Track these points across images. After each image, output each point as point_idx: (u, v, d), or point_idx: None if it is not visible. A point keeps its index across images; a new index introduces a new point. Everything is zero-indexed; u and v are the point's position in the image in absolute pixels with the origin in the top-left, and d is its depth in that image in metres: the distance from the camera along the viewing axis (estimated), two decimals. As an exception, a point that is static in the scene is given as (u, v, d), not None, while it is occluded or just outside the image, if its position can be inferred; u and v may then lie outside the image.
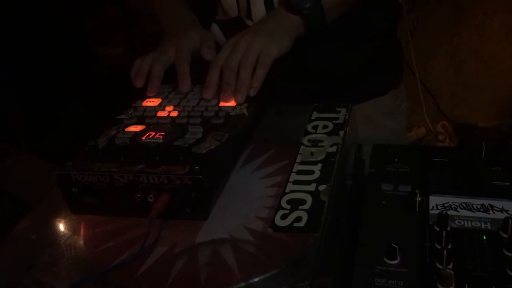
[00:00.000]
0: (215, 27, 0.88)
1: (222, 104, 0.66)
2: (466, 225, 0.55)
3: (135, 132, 0.60)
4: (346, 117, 0.67)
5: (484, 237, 0.53)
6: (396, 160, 0.66)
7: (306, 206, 0.53)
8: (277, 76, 0.69)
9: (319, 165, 0.59)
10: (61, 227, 0.61)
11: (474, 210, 0.57)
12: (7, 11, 1.94)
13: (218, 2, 0.86)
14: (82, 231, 0.59)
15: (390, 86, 0.93)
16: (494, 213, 0.57)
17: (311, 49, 0.77)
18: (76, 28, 2.32)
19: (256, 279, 0.49)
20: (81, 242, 0.57)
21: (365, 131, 0.76)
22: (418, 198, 0.57)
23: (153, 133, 0.59)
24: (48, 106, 1.93)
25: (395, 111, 0.94)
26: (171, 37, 0.79)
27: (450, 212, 0.56)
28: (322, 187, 0.55)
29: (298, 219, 0.51)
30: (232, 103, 0.66)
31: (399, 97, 0.95)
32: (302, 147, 0.63)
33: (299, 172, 0.58)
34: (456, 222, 0.56)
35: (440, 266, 0.49)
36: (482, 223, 0.55)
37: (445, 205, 0.58)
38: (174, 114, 0.64)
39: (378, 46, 0.89)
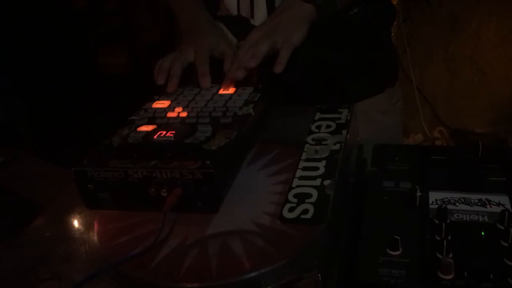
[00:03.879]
0: (220, 24, 0.91)
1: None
2: (464, 218, 0.58)
3: (147, 132, 0.62)
4: (348, 117, 0.70)
5: (483, 233, 0.55)
6: (397, 158, 0.69)
7: (312, 200, 0.55)
8: (277, 77, 0.73)
9: (324, 162, 0.61)
10: (75, 223, 0.64)
11: (472, 205, 0.60)
12: (14, 24, 1.97)
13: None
14: (96, 227, 0.61)
15: (386, 84, 0.96)
16: (491, 207, 0.59)
17: (309, 50, 0.80)
18: (80, 37, 2.36)
19: (264, 270, 0.51)
20: (95, 237, 0.60)
21: (362, 129, 0.78)
22: (419, 193, 0.60)
23: (164, 132, 0.61)
24: (53, 114, 1.95)
25: (391, 109, 0.97)
26: (189, 37, 0.83)
27: (449, 207, 0.59)
28: (327, 182, 0.58)
29: (305, 211, 0.54)
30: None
31: (395, 96, 0.98)
32: (306, 145, 0.65)
33: (304, 169, 0.61)
34: (455, 215, 0.58)
35: (440, 256, 0.51)
36: (480, 216, 0.58)
37: (444, 200, 0.61)
38: (184, 114, 0.67)
39: (374, 46, 0.92)
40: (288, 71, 0.74)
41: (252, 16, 0.87)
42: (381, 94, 0.95)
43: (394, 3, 1.21)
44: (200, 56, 0.79)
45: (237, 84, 0.75)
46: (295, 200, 0.55)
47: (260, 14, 0.86)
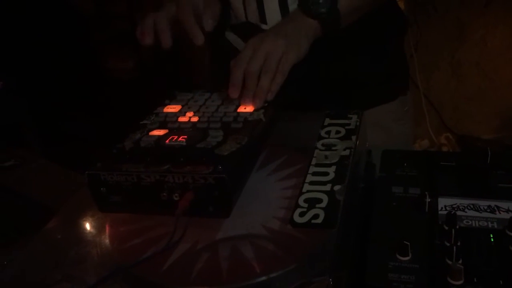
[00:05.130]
0: (229, 34, 0.91)
1: (241, 109, 0.70)
2: (473, 225, 0.58)
3: (159, 136, 0.63)
4: (358, 123, 0.71)
5: (491, 236, 0.56)
6: (405, 164, 0.69)
7: (323, 205, 0.56)
8: (289, 83, 0.73)
9: (333, 167, 0.62)
10: (87, 226, 0.64)
11: (481, 211, 0.60)
12: (20, 26, 1.99)
13: (229, 7, 0.89)
14: (107, 230, 0.62)
15: (398, 92, 0.97)
16: (500, 213, 0.59)
17: (322, 57, 0.80)
18: (86, 40, 2.37)
19: (275, 274, 0.51)
20: (107, 240, 0.60)
21: (375, 136, 0.79)
22: (428, 199, 0.60)
23: (176, 137, 0.62)
24: (58, 116, 1.97)
25: (403, 116, 0.98)
26: None
27: (458, 213, 0.59)
28: (337, 187, 0.58)
29: (316, 216, 0.54)
30: (250, 108, 0.69)
31: (406, 104, 0.99)
32: (316, 151, 0.66)
33: (314, 174, 0.61)
34: (464, 221, 0.58)
35: (450, 262, 0.51)
36: (489, 222, 0.58)
37: (453, 206, 0.61)
38: (195, 119, 0.67)
39: (387, 54, 0.93)
40: (301, 79, 0.75)
41: (265, 22, 0.86)
42: (394, 102, 0.96)
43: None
44: (183, 10, 0.74)
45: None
46: (306, 205, 0.56)
47: (273, 18, 0.85)
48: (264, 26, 0.87)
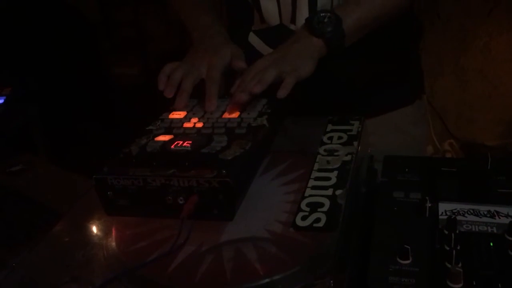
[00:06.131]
0: (253, 37, 0.91)
1: (245, 115, 0.71)
2: (473, 229, 0.59)
3: (165, 141, 0.64)
4: (359, 129, 0.72)
5: (491, 240, 0.57)
6: (407, 170, 0.70)
7: (324, 209, 0.57)
8: (307, 88, 0.74)
9: (335, 172, 0.63)
10: (94, 229, 0.66)
11: (481, 216, 0.61)
12: (28, 32, 2.02)
13: (256, 11, 0.89)
14: (114, 233, 0.63)
15: (415, 96, 0.98)
16: (500, 218, 0.60)
17: (342, 62, 0.80)
18: (93, 47, 2.40)
19: (278, 276, 0.52)
20: (114, 242, 0.62)
21: (393, 139, 0.79)
22: (428, 204, 0.61)
23: (181, 142, 0.63)
24: (65, 122, 1.99)
25: (420, 120, 1.00)
26: (203, 51, 0.81)
27: (458, 218, 0.60)
28: (338, 192, 0.59)
29: (317, 220, 0.55)
30: (254, 113, 0.71)
31: (422, 107, 1.01)
32: (318, 156, 0.67)
33: (316, 179, 0.62)
34: (464, 226, 0.59)
35: (450, 265, 0.52)
36: (489, 227, 0.59)
37: (454, 211, 0.62)
38: (200, 125, 0.69)
39: (403, 58, 0.95)
40: (319, 83, 0.75)
41: (294, 22, 0.87)
42: (412, 105, 0.97)
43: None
44: (211, 76, 0.77)
45: (242, 108, 0.74)
46: (308, 209, 0.57)
47: (303, 18, 0.84)
48: (292, 27, 0.87)
